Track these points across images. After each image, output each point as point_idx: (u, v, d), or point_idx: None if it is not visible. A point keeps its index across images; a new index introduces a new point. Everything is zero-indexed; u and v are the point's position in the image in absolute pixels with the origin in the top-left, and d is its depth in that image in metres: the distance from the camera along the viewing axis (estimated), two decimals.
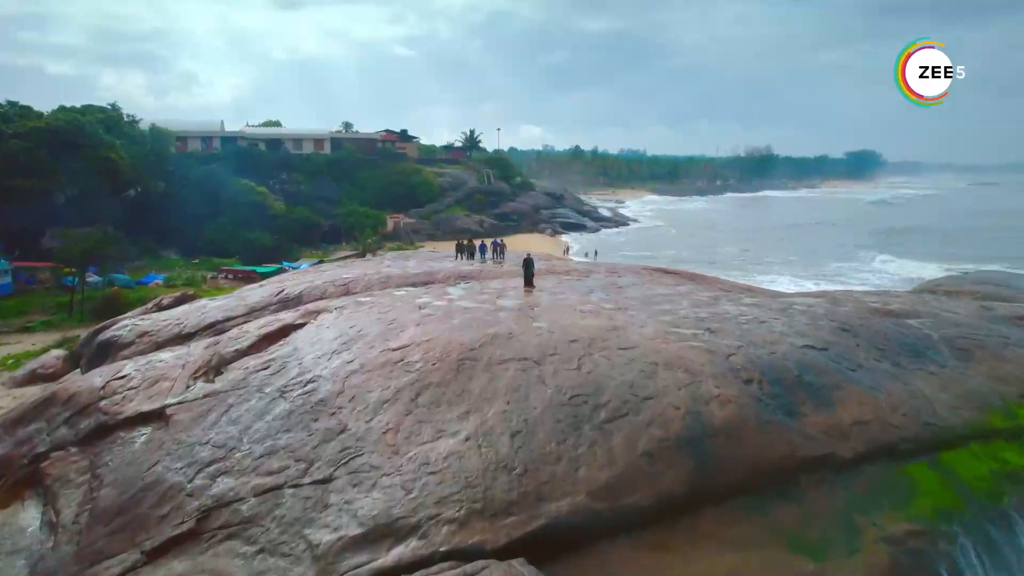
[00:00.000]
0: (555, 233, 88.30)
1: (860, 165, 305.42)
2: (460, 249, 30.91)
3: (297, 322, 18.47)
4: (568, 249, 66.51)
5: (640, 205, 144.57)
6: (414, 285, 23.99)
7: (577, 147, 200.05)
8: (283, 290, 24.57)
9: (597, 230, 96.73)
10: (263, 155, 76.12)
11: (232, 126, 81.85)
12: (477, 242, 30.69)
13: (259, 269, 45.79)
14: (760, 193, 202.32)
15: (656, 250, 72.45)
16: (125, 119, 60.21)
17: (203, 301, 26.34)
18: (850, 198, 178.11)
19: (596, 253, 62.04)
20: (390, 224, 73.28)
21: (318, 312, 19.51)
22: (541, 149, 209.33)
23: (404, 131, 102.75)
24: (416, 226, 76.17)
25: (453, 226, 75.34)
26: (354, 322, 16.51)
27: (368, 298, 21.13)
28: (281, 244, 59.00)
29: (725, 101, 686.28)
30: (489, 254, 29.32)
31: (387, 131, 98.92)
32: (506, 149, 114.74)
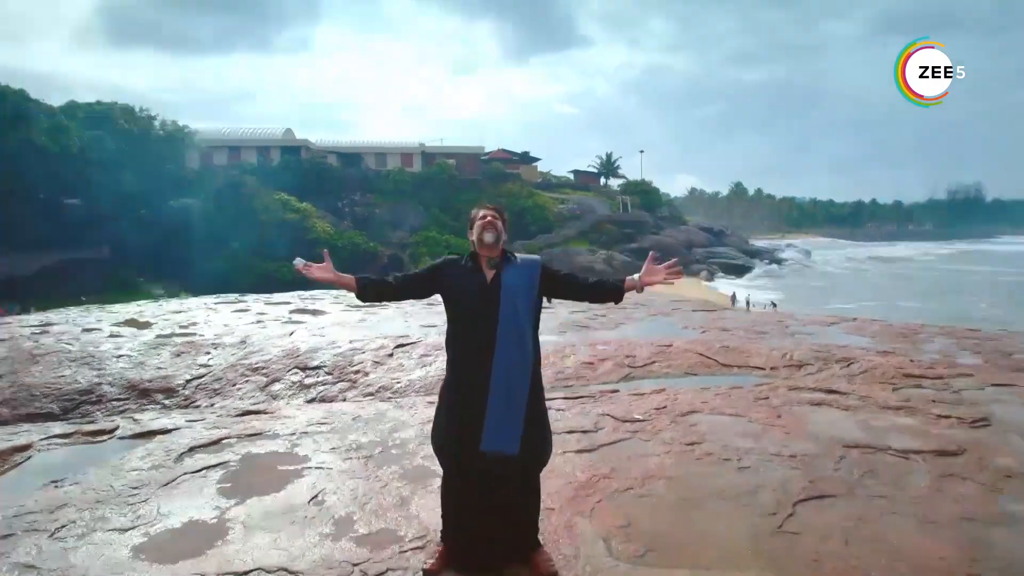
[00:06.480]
0: (711, 276, 63.96)
1: None
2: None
3: None
4: (739, 300, 43.02)
5: (823, 251, 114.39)
6: None
7: (739, 184, 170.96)
8: None
9: (777, 276, 70.72)
10: (331, 171, 59.71)
11: None
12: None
13: None
14: (972, 244, 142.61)
15: (889, 299, 46.18)
16: (139, 113, 45.77)
17: None
18: None
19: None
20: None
21: None
22: (693, 188, 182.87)
23: (526, 152, 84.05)
24: None
25: (570, 262, 54.22)
26: None
27: None
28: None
29: (900, 145, 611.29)
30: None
31: (502, 149, 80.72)
32: (653, 183, 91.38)
